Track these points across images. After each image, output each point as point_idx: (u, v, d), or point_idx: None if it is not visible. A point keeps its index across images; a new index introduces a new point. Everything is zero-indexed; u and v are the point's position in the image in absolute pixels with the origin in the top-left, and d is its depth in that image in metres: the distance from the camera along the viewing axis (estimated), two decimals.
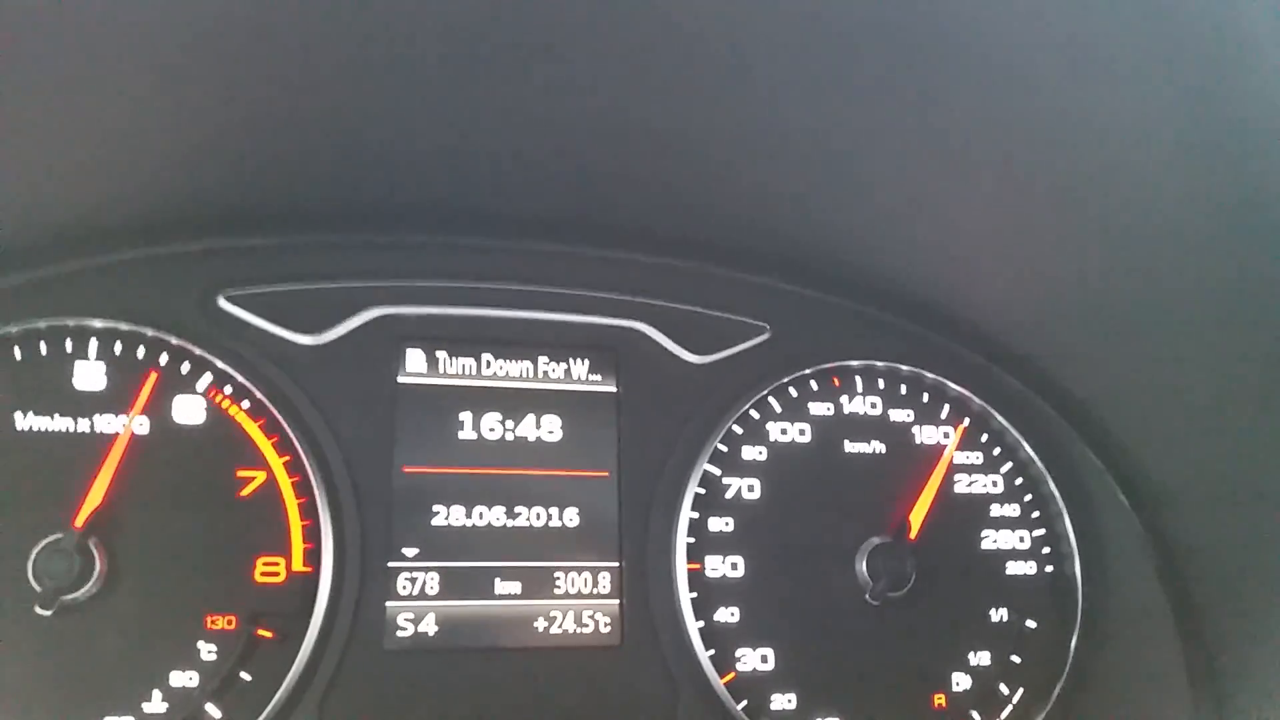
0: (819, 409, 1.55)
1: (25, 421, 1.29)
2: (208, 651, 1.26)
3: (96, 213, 1.32)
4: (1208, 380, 1.29)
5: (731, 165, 1.30)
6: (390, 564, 1.35)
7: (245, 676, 1.26)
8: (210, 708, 1.24)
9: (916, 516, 1.50)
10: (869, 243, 1.48)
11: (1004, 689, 1.49)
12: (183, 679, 1.24)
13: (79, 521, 1.24)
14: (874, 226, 1.43)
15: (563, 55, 1.07)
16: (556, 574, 1.40)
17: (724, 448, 1.49)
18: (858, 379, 1.59)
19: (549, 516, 1.42)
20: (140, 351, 1.35)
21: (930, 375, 1.59)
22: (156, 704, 1.23)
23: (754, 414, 1.52)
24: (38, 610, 1.20)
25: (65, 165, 1.21)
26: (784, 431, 1.53)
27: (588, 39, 1.05)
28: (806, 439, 1.54)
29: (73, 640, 1.22)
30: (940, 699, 1.46)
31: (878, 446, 1.55)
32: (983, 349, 1.60)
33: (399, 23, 1.01)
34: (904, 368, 1.59)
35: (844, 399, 1.57)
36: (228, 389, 1.36)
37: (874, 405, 1.58)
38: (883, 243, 1.47)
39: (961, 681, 1.47)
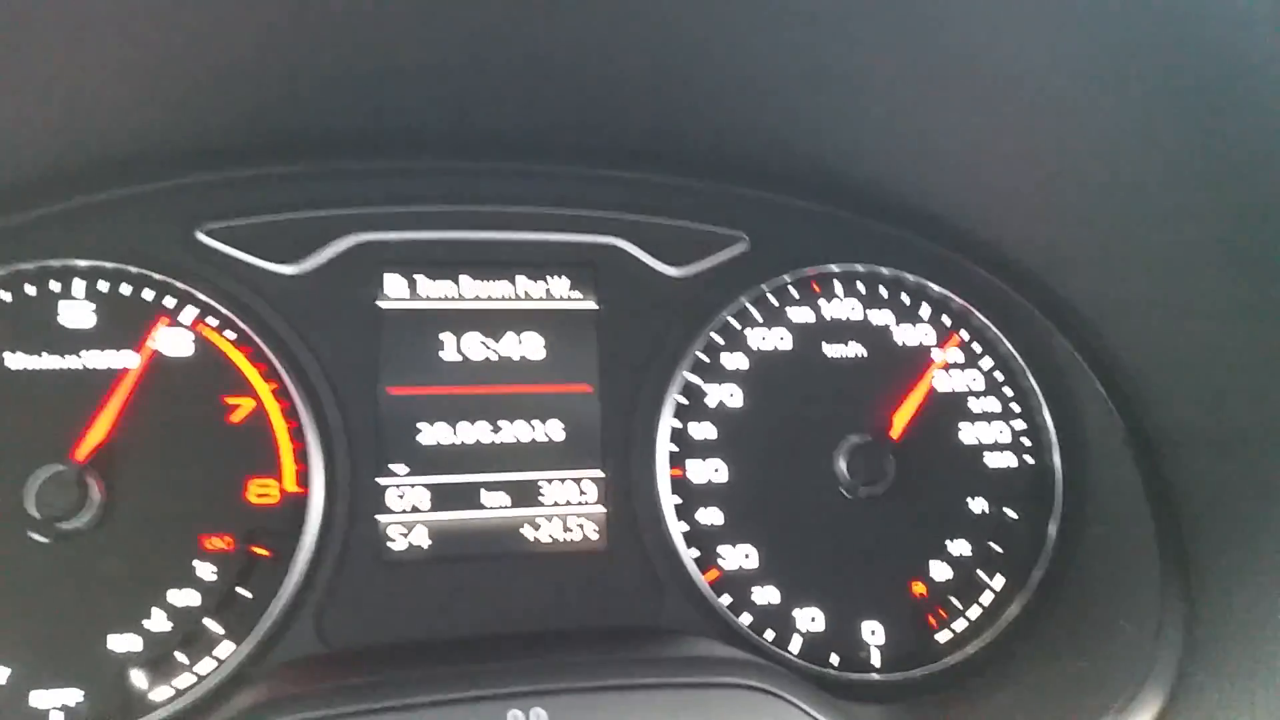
0: (799, 315, 1.57)
1: (16, 361, 1.33)
2: (206, 571, 1.31)
3: (74, 154, 1.34)
4: (1186, 275, 1.28)
5: (702, 76, 1.29)
6: (380, 481, 1.40)
7: (244, 593, 1.32)
8: (211, 623, 1.31)
9: (901, 418, 1.52)
10: (845, 147, 1.47)
11: (983, 576, 1.53)
12: (183, 598, 1.30)
13: (80, 455, 1.29)
14: (850, 130, 1.42)
15: None
16: (542, 484, 1.44)
17: (705, 357, 1.52)
18: (837, 283, 1.60)
19: (533, 430, 1.46)
20: (125, 289, 1.38)
21: (911, 277, 1.60)
22: (159, 622, 1.29)
23: (734, 323, 1.54)
24: (36, 537, 1.26)
25: (38, 110, 1.22)
26: (764, 339, 1.55)
27: None
28: (787, 345, 1.56)
29: (74, 563, 1.28)
30: (920, 588, 1.51)
31: (858, 349, 1.57)
32: (962, 248, 1.60)
33: None
34: (885, 270, 1.60)
35: (823, 304, 1.58)
36: (212, 320, 1.39)
37: (854, 309, 1.59)
38: (858, 146, 1.46)
39: (941, 570, 1.51)
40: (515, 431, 1.45)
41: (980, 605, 1.52)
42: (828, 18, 1.13)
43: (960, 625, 1.51)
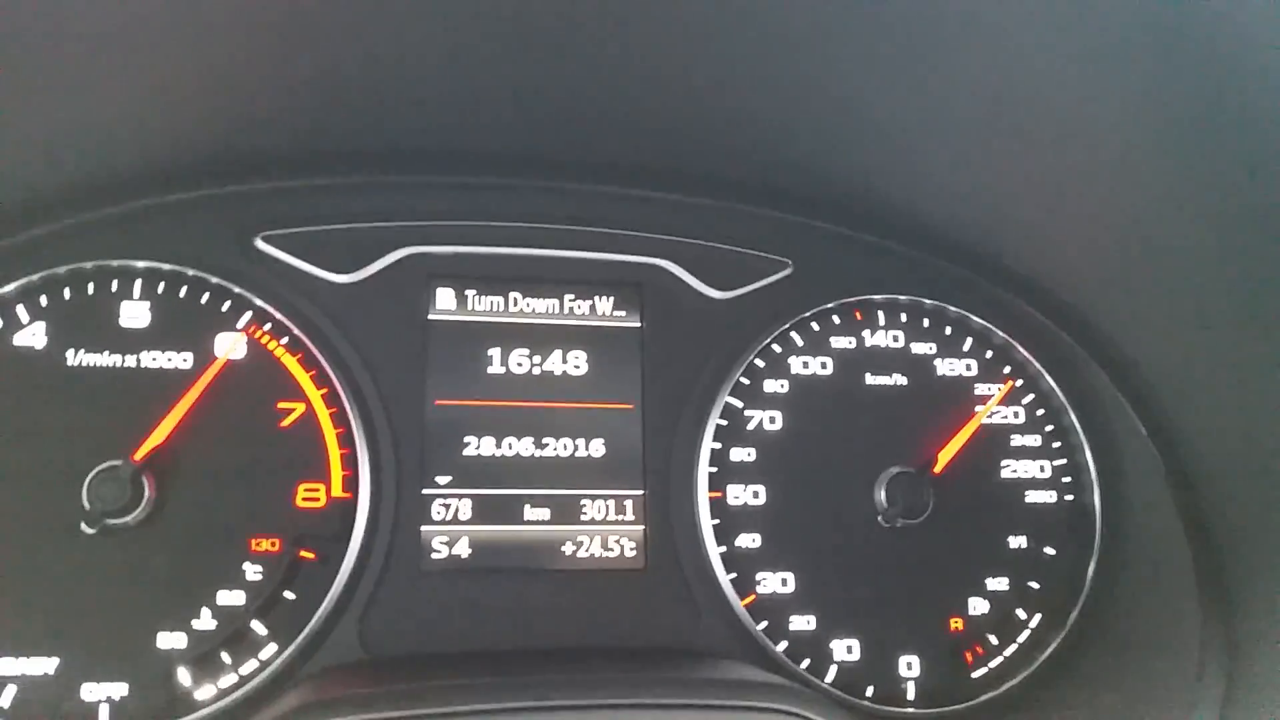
0: (841, 343, 1.58)
1: (76, 358, 1.35)
2: (253, 572, 1.33)
3: (138, 159, 1.37)
4: (1228, 311, 1.29)
5: (755, 105, 1.31)
6: (424, 491, 1.41)
7: (289, 596, 1.34)
8: (256, 625, 1.32)
9: (946, 454, 1.52)
10: (891, 178, 1.49)
11: (1021, 614, 1.52)
12: (230, 598, 1.32)
13: (138, 455, 1.31)
14: (895, 162, 1.43)
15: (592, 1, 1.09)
16: (583, 501, 1.45)
17: (746, 380, 1.53)
18: (880, 313, 1.60)
19: (576, 447, 1.47)
20: (182, 291, 1.41)
21: (953, 309, 1.61)
22: (206, 621, 1.31)
23: (776, 348, 1.55)
24: (86, 530, 1.28)
25: (105, 114, 1.25)
26: (806, 365, 1.56)
27: None
28: (828, 372, 1.56)
29: (125, 561, 1.30)
30: (957, 623, 1.50)
31: (899, 379, 1.58)
32: (1005, 282, 1.61)
33: None
34: (927, 301, 1.61)
35: (866, 333, 1.59)
36: (267, 325, 1.42)
37: (896, 339, 1.60)
38: (904, 178, 1.47)
39: (979, 606, 1.51)
40: (558, 447, 1.47)
41: (1017, 643, 1.52)
42: (880, 56, 1.15)
43: (997, 662, 1.51)
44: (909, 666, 1.47)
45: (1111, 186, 1.26)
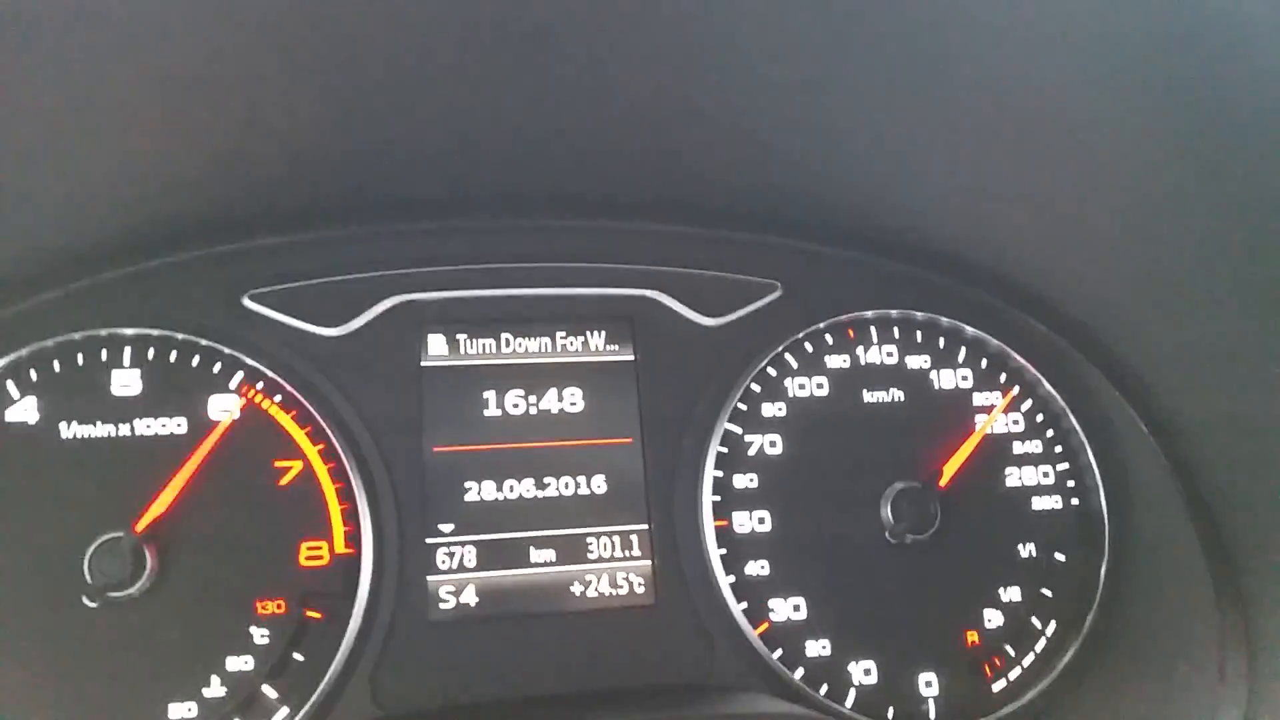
0: (835, 362, 1.57)
1: (70, 430, 1.34)
2: (260, 636, 1.32)
3: (119, 226, 1.37)
4: (1225, 307, 1.28)
5: (733, 126, 1.31)
6: (428, 540, 1.40)
7: (298, 657, 1.32)
8: (267, 689, 1.31)
9: (951, 467, 1.52)
10: (874, 194, 1.48)
11: (1036, 623, 1.51)
12: (238, 663, 1.30)
13: (140, 526, 1.30)
14: (884, 177, 1.43)
15: (565, 32, 1.09)
16: (589, 539, 1.44)
17: (743, 406, 1.52)
18: (872, 329, 1.60)
19: (577, 485, 1.46)
20: (173, 355, 1.40)
21: (945, 320, 1.61)
22: (216, 689, 1.29)
23: (771, 371, 1.55)
24: (89, 603, 1.26)
25: (85, 184, 1.25)
26: (802, 386, 1.55)
27: (589, 15, 1.06)
28: (825, 392, 1.56)
29: (130, 632, 1.29)
30: (973, 636, 1.49)
31: (896, 394, 1.57)
32: (996, 290, 1.60)
33: (405, 12, 1.03)
34: (919, 314, 1.60)
35: (860, 350, 1.59)
36: (259, 384, 1.41)
37: (890, 354, 1.60)
38: (893, 193, 1.47)
39: (994, 618, 1.50)
40: (559, 487, 1.46)
41: (1034, 653, 1.50)
42: (869, 70, 1.15)
43: (1016, 673, 1.49)
44: (928, 684, 1.46)
45: (1106, 191, 1.25)
